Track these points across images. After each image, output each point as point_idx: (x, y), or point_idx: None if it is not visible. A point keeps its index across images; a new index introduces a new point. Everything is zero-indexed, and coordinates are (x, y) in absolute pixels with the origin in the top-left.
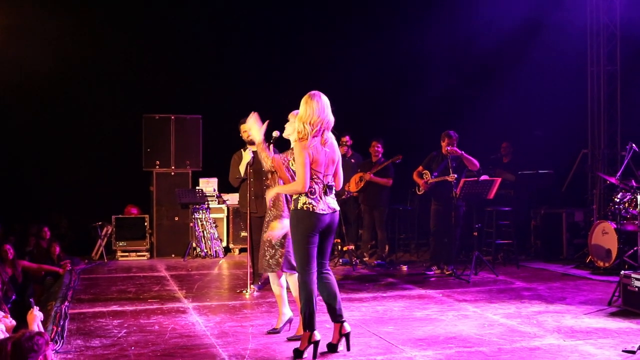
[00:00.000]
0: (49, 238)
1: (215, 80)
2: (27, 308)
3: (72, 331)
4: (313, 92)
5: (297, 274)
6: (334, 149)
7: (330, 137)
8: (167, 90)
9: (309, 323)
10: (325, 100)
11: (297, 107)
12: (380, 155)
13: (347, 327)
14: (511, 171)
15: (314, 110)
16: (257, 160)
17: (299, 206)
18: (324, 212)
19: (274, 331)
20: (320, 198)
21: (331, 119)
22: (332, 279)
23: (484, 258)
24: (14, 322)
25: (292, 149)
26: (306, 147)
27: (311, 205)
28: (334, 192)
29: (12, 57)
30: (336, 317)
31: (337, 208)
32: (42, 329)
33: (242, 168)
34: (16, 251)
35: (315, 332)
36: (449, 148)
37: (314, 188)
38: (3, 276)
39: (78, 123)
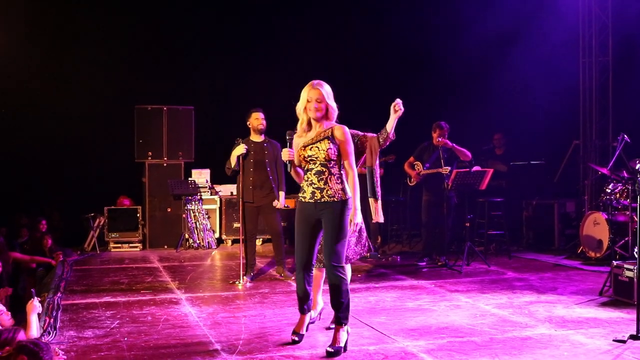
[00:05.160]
0: (44, 231)
1: (208, 71)
2: (19, 300)
3: (64, 322)
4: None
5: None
6: None
7: None
8: (159, 81)
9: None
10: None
11: (294, 99)
12: None
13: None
14: (503, 162)
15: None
16: (257, 151)
17: (349, 195)
18: None
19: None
20: None
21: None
22: None
23: (476, 249)
24: (11, 320)
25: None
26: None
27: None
28: None
29: (0, 48)
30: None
31: None
32: (38, 321)
33: (233, 160)
34: (7, 242)
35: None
36: (440, 139)
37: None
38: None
39: (69, 114)
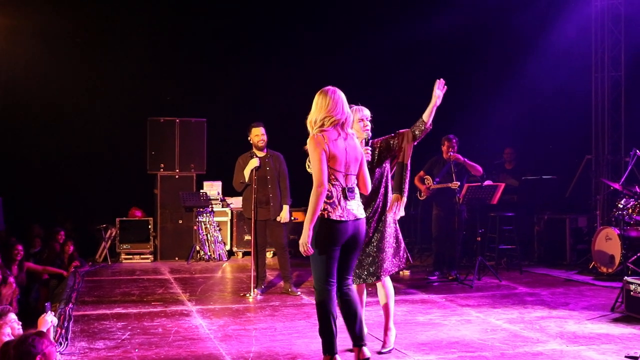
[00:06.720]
0: (63, 240)
1: (220, 84)
2: (30, 310)
3: (76, 333)
4: (327, 87)
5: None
6: (356, 147)
7: (352, 135)
8: (172, 94)
9: (329, 347)
10: (339, 95)
11: (305, 110)
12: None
13: (367, 352)
14: (515, 177)
15: (323, 106)
16: (262, 166)
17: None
18: (343, 220)
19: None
20: (338, 203)
21: (347, 114)
22: (354, 296)
23: (487, 263)
24: (21, 331)
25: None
26: (320, 142)
27: (326, 212)
28: (357, 196)
29: (16, 58)
30: (355, 339)
31: (363, 215)
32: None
33: (246, 173)
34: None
35: (337, 357)
36: (451, 154)
37: (331, 191)
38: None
39: (83, 125)
